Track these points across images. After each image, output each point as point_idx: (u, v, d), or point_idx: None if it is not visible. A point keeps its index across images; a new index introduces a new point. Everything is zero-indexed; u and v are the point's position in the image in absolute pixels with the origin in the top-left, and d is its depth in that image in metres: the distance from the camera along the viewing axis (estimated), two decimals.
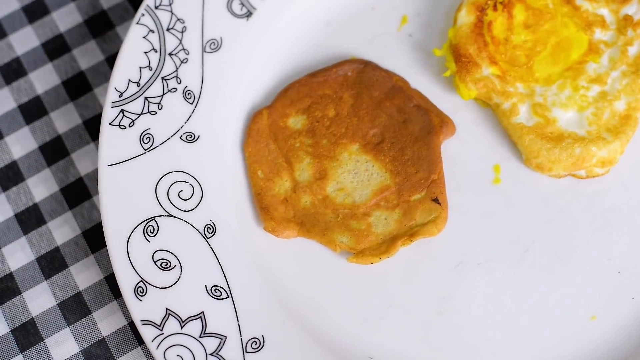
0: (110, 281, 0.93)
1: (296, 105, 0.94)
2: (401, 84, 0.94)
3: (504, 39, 0.93)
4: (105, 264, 0.94)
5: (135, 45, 0.93)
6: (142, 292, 0.86)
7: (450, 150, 0.93)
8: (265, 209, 0.91)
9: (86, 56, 1.01)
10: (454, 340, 0.87)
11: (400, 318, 0.88)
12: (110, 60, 1.00)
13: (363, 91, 0.94)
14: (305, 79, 0.95)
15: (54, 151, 0.98)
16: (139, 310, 0.86)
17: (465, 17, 0.93)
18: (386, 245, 0.88)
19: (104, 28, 1.02)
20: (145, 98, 0.92)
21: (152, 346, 0.85)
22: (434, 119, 0.92)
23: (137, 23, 0.94)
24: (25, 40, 1.02)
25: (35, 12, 1.02)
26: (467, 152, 0.93)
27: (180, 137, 0.92)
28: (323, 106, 0.94)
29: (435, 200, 0.89)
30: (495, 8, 0.93)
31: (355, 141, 0.92)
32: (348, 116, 0.93)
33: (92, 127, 0.98)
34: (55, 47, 1.01)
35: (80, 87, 1.00)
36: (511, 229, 0.90)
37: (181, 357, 0.84)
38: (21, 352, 0.91)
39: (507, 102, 0.91)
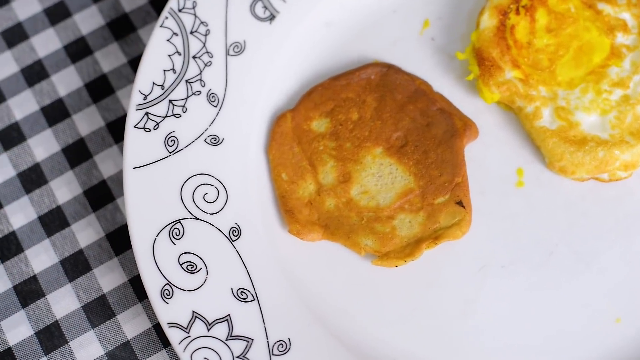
0: (135, 284, 0.93)
1: (320, 108, 0.94)
2: (424, 87, 0.94)
3: (526, 42, 0.94)
4: (129, 266, 0.94)
5: (159, 48, 0.94)
6: (169, 295, 0.87)
7: (473, 153, 0.93)
8: (289, 211, 0.91)
9: (108, 59, 1.01)
10: (479, 342, 0.88)
11: (425, 320, 0.88)
12: (133, 63, 1.00)
13: (386, 94, 0.94)
14: (328, 82, 0.95)
15: (76, 153, 0.98)
16: (165, 312, 0.86)
17: (488, 21, 0.94)
18: (411, 248, 0.89)
19: (126, 31, 1.02)
20: (170, 101, 0.93)
21: (179, 349, 0.85)
22: (457, 123, 0.92)
23: (161, 26, 0.94)
24: (47, 43, 1.02)
25: (57, 14, 1.03)
26: (491, 155, 0.93)
27: (205, 140, 0.92)
28: (346, 109, 0.94)
29: (459, 203, 0.90)
30: (517, 12, 0.94)
31: (379, 144, 0.93)
32: (371, 119, 0.93)
33: (114, 130, 0.98)
34: (78, 50, 1.01)
35: (102, 90, 1.00)
36: (535, 232, 0.91)
37: None
38: (45, 354, 0.92)
39: (530, 105, 0.92)
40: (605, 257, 0.89)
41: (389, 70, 0.95)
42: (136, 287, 0.93)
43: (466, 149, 0.93)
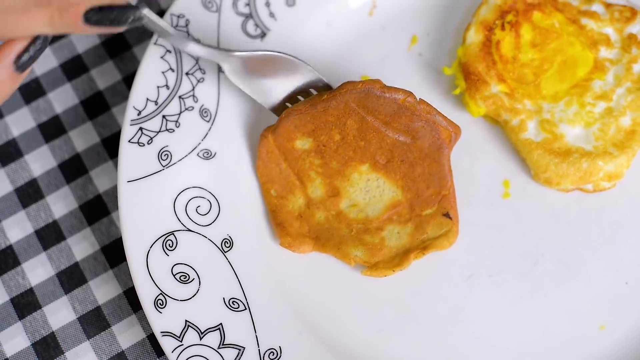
0: (129, 295, 0.95)
1: (300, 129, 0.93)
2: (407, 102, 0.91)
3: (511, 57, 0.96)
4: (123, 278, 0.96)
5: (153, 65, 0.96)
6: (162, 305, 0.88)
7: (460, 165, 0.95)
8: (280, 225, 0.93)
9: (104, 76, 1.03)
10: (467, 349, 0.89)
11: (415, 328, 0.90)
12: (128, 80, 1.03)
13: (367, 115, 0.92)
14: (304, 108, 0.93)
15: (72, 169, 1.00)
16: (159, 322, 0.88)
17: (474, 37, 0.96)
18: (399, 258, 0.90)
19: (121, 49, 1.04)
20: (163, 116, 0.94)
21: (172, 357, 0.86)
22: (443, 133, 0.92)
23: (155, 43, 0.96)
24: (44, 61, 1.04)
25: None
26: (477, 167, 0.95)
27: (198, 154, 0.94)
28: (327, 131, 0.93)
29: (447, 214, 0.91)
30: (503, 27, 0.96)
31: (365, 162, 0.93)
32: (355, 140, 0.93)
33: (110, 146, 1.00)
34: (74, 68, 1.03)
35: (98, 107, 1.02)
36: (521, 242, 0.92)
37: None
38: None
39: (516, 118, 0.93)
40: (590, 265, 0.91)
41: (367, 95, 0.92)
42: (130, 299, 0.95)
43: (453, 162, 0.94)
